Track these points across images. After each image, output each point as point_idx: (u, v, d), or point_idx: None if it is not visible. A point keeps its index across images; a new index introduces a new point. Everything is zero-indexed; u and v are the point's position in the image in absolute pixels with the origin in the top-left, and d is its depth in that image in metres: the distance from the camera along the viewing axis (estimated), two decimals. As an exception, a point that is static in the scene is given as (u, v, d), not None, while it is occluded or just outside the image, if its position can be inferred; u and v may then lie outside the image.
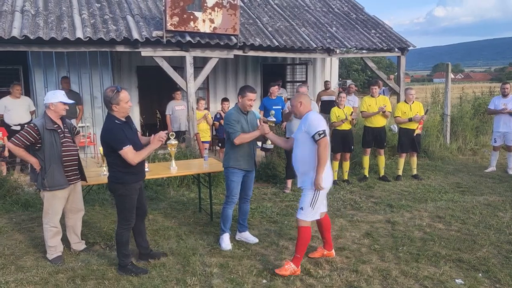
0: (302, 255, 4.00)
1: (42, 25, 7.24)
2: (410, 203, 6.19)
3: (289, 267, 3.94)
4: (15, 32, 6.80)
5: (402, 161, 7.72)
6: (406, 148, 7.65)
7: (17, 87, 7.71)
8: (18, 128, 7.32)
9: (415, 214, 5.72)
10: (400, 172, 7.70)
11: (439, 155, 9.33)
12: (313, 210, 3.94)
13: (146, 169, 5.05)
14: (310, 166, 3.90)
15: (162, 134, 3.92)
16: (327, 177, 3.97)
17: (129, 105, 3.83)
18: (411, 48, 10.25)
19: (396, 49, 10.11)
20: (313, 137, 3.80)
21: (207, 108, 10.29)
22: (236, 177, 4.54)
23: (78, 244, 4.52)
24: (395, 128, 8.86)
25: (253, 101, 4.48)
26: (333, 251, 4.40)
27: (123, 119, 3.85)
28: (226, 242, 4.61)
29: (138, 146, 3.87)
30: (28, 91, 8.84)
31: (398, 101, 10.05)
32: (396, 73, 10.81)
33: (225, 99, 8.76)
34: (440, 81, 40.72)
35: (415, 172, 7.78)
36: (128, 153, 3.70)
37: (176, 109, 8.64)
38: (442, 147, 9.71)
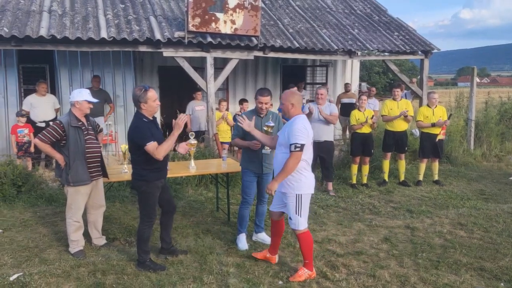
0: (311, 259, 3.98)
1: (68, 25, 7.43)
2: (431, 209, 6.08)
3: (303, 273, 3.93)
4: (43, 32, 7.00)
5: (423, 166, 7.59)
6: (428, 153, 7.52)
7: (43, 85, 7.92)
8: (43, 125, 7.52)
9: (436, 221, 5.61)
10: (421, 177, 7.57)
11: (462, 161, 9.13)
12: (301, 217, 3.85)
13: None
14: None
15: (182, 116, 3.96)
16: (310, 182, 3.90)
17: (156, 104, 3.94)
18: (435, 51, 10.07)
19: (420, 52, 9.95)
20: (289, 145, 3.72)
21: (227, 109, 10.34)
22: (248, 177, 4.60)
23: (99, 239, 4.62)
24: (416, 132, 8.72)
25: (266, 104, 4.46)
26: (276, 257, 4.22)
27: (150, 118, 3.96)
28: (242, 242, 4.64)
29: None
30: (53, 89, 9.07)
31: (420, 105, 9.89)
32: (419, 76, 10.64)
33: (243, 100, 8.78)
34: (464, 85, 39.84)
35: (436, 177, 7.64)
36: (153, 148, 3.79)
37: (196, 109, 8.72)
38: (466, 152, 9.50)
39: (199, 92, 8.84)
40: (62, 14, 7.77)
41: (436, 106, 7.44)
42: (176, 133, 3.91)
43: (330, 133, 6.73)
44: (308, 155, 3.85)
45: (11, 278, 3.82)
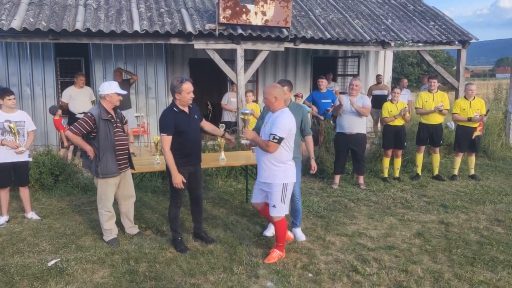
0: (284, 242, 4.19)
1: (103, 19, 7.59)
2: (466, 204, 5.89)
3: (276, 254, 4.12)
4: (79, 25, 7.19)
5: (458, 160, 7.33)
6: (464, 147, 7.25)
7: (81, 78, 8.16)
8: (82, 116, 7.75)
9: (472, 216, 5.43)
10: (456, 172, 7.32)
11: (500, 155, 8.77)
12: (284, 204, 4.04)
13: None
14: (274, 160, 3.96)
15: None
16: (293, 171, 4.06)
17: (190, 96, 4.12)
18: (473, 41, 9.67)
19: (457, 42, 9.58)
20: (269, 134, 3.86)
21: (256, 101, 10.33)
22: None
23: (131, 229, 4.74)
24: (452, 125, 8.43)
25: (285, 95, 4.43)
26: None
27: (182, 108, 4.15)
28: (268, 229, 4.75)
29: (193, 134, 4.19)
30: (88, 82, 9.33)
31: (456, 97, 9.55)
32: (455, 67, 10.26)
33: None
34: (503, 76, 38.13)
35: (472, 172, 7.37)
36: (164, 140, 4.07)
37: (232, 100, 8.78)
38: (504, 146, 9.12)
39: (234, 85, 8.90)
40: (97, 8, 7.95)
41: (474, 98, 7.15)
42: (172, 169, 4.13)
43: (363, 125, 6.59)
44: (291, 145, 4.02)
45: (49, 264, 3.99)
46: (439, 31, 9.64)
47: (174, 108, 4.14)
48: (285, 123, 3.87)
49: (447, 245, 4.50)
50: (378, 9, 10.37)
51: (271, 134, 3.85)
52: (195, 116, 4.29)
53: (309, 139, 4.74)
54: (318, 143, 8.07)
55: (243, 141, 4.21)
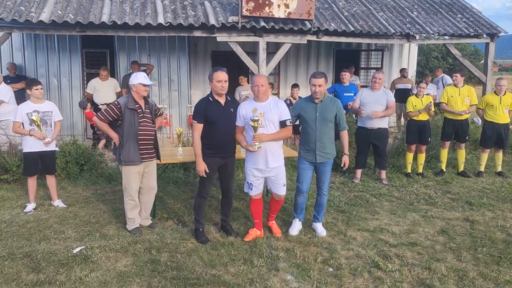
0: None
1: (128, 11, 7.67)
2: (493, 202, 5.73)
3: (276, 226, 4.60)
4: (105, 18, 7.29)
5: (485, 156, 7.14)
6: (491, 143, 7.05)
7: (103, 72, 8.35)
8: (105, 107, 7.91)
9: (498, 214, 5.29)
10: (482, 168, 7.13)
11: (529, 152, 8.49)
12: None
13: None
14: (280, 144, 4.28)
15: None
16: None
17: (221, 85, 4.12)
18: (501, 34, 9.35)
19: (485, 35, 9.29)
20: (285, 121, 4.13)
21: (277, 94, 10.30)
22: (302, 165, 4.59)
23: (145, 220, 4.79)
24: (478, 120, 8.21)
25: (319, 87, 4.36)
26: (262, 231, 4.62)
27: (217, 98, 4.20)
28: (292, 227, 4.66)
29: (224, 126, 4.19)
30: (113, 73, 9.48)
31: (483, 92, 9.27)
32: (483, 61, 9.95)
33: (295, 85, 8.66)
34: (534, 71, 36.80)
35: (499, 169, 7.16)
36: (194, 127, 4.17)
37: (242, 94, 8.75)
38: (533, 143, 8.81)
39: (242, 77, 8.85)
40: (123, 1, 8.03)
41: (505, 93, 6.92)
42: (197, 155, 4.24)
43: (385, 120, 6.48)
44: None
45: (75, 251, 4.10)
46: (466, 24, 9.35)
47: (210, 98, 4.21)
48: (286, 108, 4.21)
49: (472, 243, 4.41)
50: (403, 1, 10.13)
51: (287, 119, 4.14)
52: (231, 109, 4.27)
53: (345, 133, 4.66)
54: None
55: (256, 148, 3.98)
